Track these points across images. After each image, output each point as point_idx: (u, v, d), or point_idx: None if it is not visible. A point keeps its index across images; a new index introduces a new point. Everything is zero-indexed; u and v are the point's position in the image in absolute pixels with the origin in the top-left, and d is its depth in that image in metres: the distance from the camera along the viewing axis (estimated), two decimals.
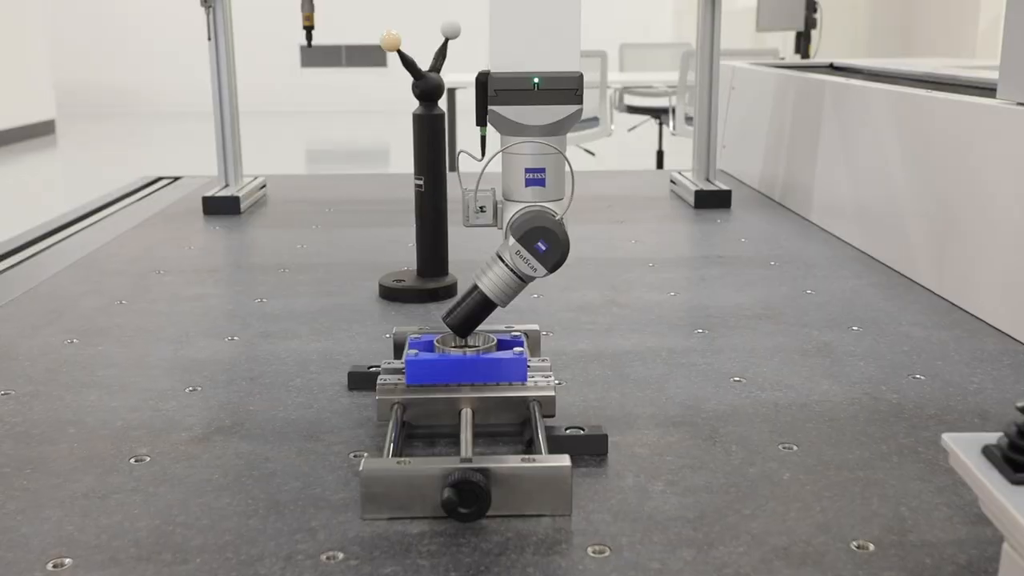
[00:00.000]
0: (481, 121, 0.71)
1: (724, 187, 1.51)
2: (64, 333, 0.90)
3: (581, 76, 0.68)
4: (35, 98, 7.61)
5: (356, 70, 10.59)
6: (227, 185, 1.54)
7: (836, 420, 0.71)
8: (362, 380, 0.77)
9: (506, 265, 0.69)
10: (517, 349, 0.68)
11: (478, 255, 1.18)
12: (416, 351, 0.68)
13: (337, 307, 0.99)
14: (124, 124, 8.71)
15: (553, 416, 0.67)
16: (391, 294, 1.01)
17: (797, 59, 4.20)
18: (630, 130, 4.99)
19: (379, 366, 0.76)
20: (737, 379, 0.79)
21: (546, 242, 0.68)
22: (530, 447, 0.64)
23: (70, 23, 9.82)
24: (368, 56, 10.39)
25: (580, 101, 0.68)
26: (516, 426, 0.68)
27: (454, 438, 0.66)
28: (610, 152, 4.85)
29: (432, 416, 0.67)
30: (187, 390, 0.77)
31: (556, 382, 0.77)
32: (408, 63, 1.00)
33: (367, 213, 1.48)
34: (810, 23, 4.42)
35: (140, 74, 9.72)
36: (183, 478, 0.62)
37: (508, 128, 0.69)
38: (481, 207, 0.73)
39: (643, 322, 0.93)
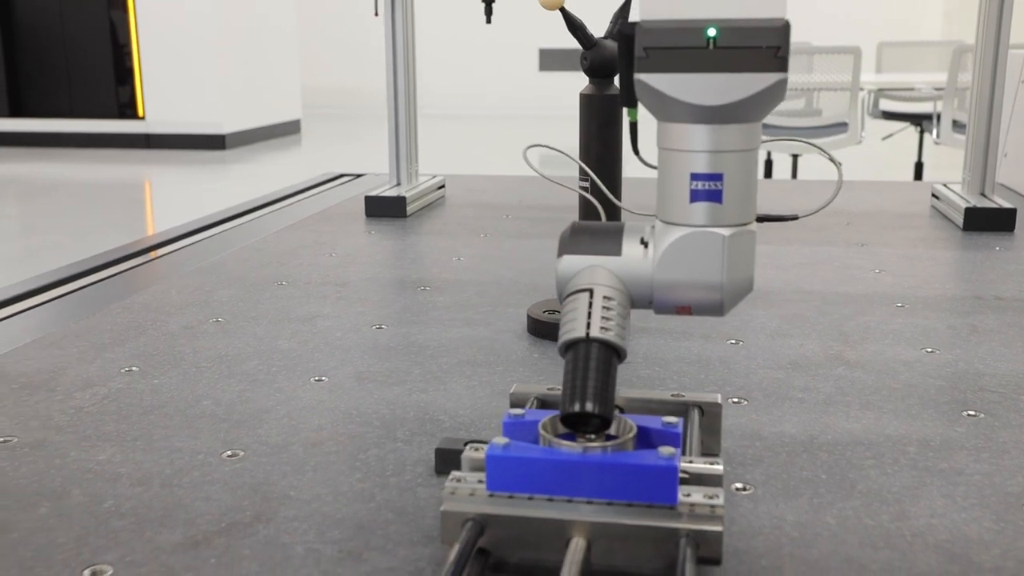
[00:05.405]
0: (628, 99, 0.47)
1: (1007, 204, 1.16)
2: (128, 358, 0.73)
3: (787, 26, 0.42)
4: (286, 99, 7.97)
5: None
6: (397, 184, 1.36)
7: None
8: (454, 461, 0.54)
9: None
10: (666, 450, 0.42)
11: None
12: (506, 441, 0.44)
13: (468, 342, 0.76)
14: (363, 124, 8.98)
15: (718, 563, 0.41)
16: (539, 328, 0.78)
17: None
18: (884, 138, 4.50)
19: (478, 443, 0.53)
20: None
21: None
22: None
23: (313, 27, 10.26)
24: None
25: (784, 67, 0.42)
26: (660, 568, 0.43)
27: None
28: (859, 163, 4.40)
29: (524, 545, 0.43)
30: (225, 454, 0.56)
31: (740, 487, 0.51)
32: (576, 26, 0.76)
33: (550, 221, 1.25)
34: None
35: (378, 76, 9.99)
36: None
37: (667, 110, 0.44)
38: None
39: (882, 393, 0.65)
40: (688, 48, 0.41)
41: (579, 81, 10.39)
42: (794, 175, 3.90)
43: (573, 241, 0.47)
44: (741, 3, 0.41)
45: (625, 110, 0.52)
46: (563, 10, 0.75)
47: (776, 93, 0.42)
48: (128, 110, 7.00)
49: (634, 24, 0.43)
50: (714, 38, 0.41)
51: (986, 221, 1.15)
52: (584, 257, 0.47)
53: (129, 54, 6.91)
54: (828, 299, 0.88)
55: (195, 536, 0.47)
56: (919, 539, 0.46)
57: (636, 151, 0.52)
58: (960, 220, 1.17)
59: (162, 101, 6.91)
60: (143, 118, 6.97)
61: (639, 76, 0.43)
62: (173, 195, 5.44)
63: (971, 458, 0.55)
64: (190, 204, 5.11)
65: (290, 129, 8.09)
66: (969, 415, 0.61)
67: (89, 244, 4.09)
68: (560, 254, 0.48)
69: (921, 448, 0.56)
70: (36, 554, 0.45)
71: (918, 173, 4.02)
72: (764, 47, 0.41)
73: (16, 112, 7.15)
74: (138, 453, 0.56)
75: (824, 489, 0.51)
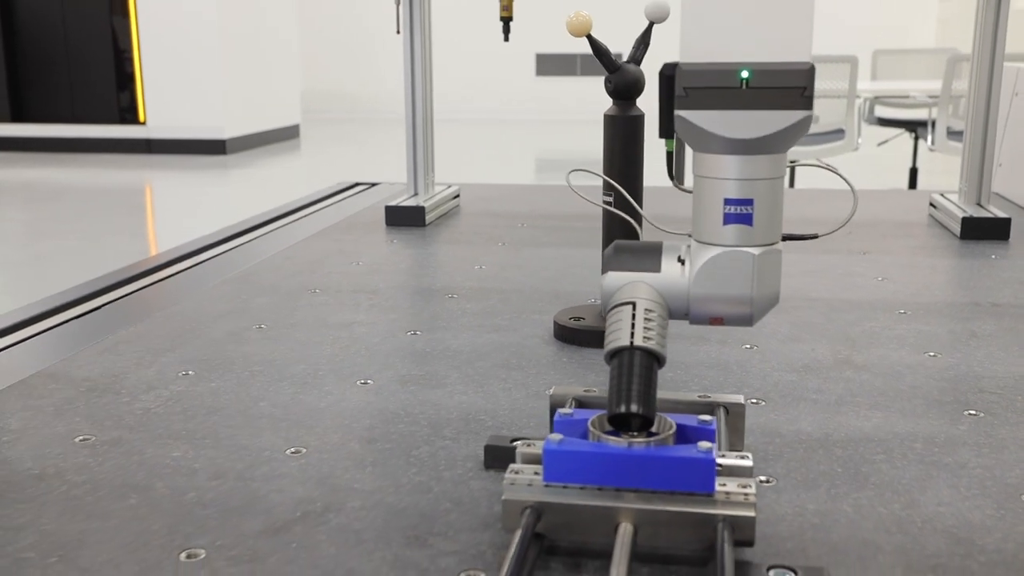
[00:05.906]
0: (667, 131, 0.52)
1: (1001, 214, 1.22)
2: (183, 363, 0.78)
3: (812, 69, 0.47)
4: (286, 104, 8.02)
5: (590, 79, 10.51)
6: (415, 194, 1.41)
7: None
8: (502, 456, 0.59)
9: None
10: (704, 445, 0.47)
11: None
12: (560, 437, 0.49)
13: (499, 347, 0.82)
14: (361, 128, 9.04)
15: (751, 544, 0.46)
16: (566, 335, 0.83)
17: None
18: (880, 144, 4.56)
19: (526, 440, 0.58)
20: None
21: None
22: None
23: (312, 32, 10.31)
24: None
25: (809, 106, 0.47)
26: (699, 550, 0.48)
27: (608, 559, 0.47)
28: (855, 169, 4.46)
29: (577, 529, 0.48)
30: (289, 451, 0.61)
31: (764, 480, 0.56)
32: (601, 52, 0.81)
33: (564, 230, 1.30)
34: None
35: (377, 81, 10.06)
36: None
37: (704, 142, 0.49)
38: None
39: (889, 394, 0.70)
40: (724, 88, 0.47)
41: (575, 86, 10.48)
42: (792, 183, 3.97)
43: (617, 259, 0.53)
44: (771, 48, 0.47)
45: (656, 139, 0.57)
46: (589, 36, 0.80)
47: (802, 127, 0.47)
48: (129, 115, 7.04)
49: (675, 65, 0.48)
50: (747, 79, 0.47)
51: (982, 230, 1.21)
52: (627, 273, 0.52)
53: (130, 59, 6.95)
54: (834, 306, 0.93)
55: (274, 524, 0.52)
56: (928, 525, 0.51)
57: (671, 177, 0.58)
58: (957, 229, 1.22)
59: (163, 106, 6.96)
60: (144, 123, 7.02)
61: (679, 112, 0.48)
62: (175, 199, 5.48)
63: (973, 453, 0.60)
64: (193, 208, 5.16)
65: (289, 134, 8.14)
66: (970, 414, 0.66)
67: (98, 249, 4.13)
68: (604, 270, 0.53)
69: (927, 444, 0.62)
70: (135, 539, 0.50)
71: (913, 178, 4.09)
72: (792, 87, 0.46)
73: (18, 117, 7.19)
74: (209, 450, 0.61)
75: (840, 481, 0.57)
